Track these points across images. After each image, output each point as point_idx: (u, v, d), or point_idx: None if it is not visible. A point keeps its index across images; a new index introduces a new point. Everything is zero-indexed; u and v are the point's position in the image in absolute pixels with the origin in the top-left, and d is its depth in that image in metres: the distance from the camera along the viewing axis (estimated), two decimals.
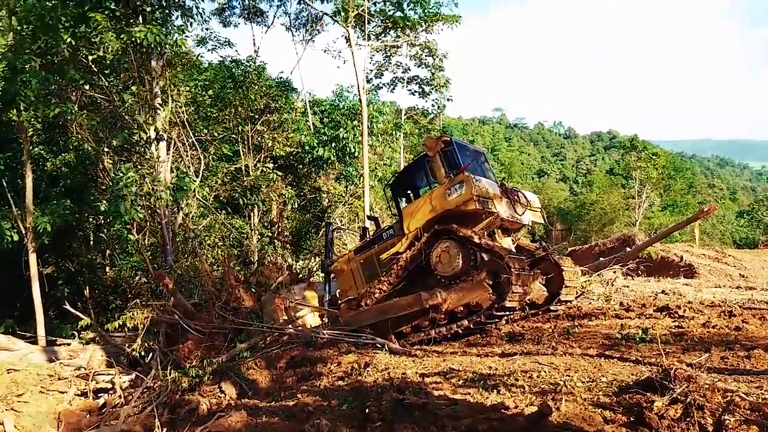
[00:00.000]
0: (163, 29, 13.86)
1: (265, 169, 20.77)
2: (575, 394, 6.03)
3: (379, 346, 10.01)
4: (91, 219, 17.76)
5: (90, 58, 14.03)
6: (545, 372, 7.00)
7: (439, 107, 35.60)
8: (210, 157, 19.58)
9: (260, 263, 17.19)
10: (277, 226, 26.46)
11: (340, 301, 12.85)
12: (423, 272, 11.08)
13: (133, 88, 14.52)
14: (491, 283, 10.03)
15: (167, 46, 14.71)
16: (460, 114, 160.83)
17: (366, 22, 20.76)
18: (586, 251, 36.37)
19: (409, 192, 13.00)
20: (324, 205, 24.71)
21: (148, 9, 13.96)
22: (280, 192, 21.82)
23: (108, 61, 14.45)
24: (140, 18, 14.19)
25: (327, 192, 23.71)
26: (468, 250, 10.43)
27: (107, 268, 20.43)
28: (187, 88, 18.14)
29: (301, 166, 23.03)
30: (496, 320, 10.45)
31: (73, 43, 13.29)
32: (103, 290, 20.10)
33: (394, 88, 36.88)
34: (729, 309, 9.80)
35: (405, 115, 38.48)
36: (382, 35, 25.85)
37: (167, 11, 14.50)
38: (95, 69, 14.35)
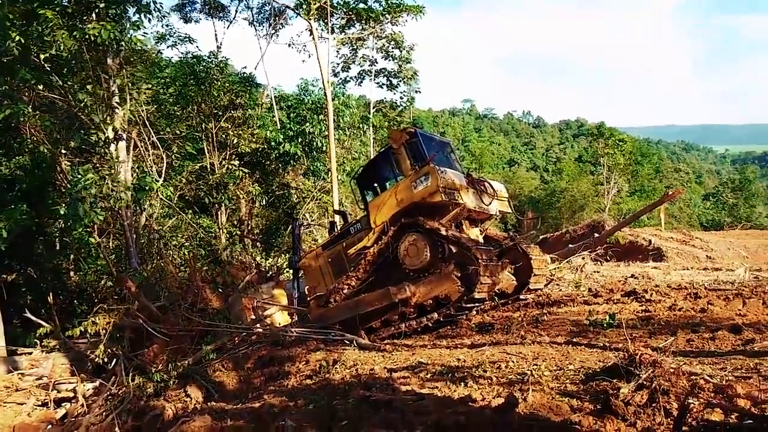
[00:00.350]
0: (118, 26, 13.40)
1: (230, 167, 20.40)
2: (542, 384, 5.97)
3: (348, 342, 9.88)
4: (54, 223, 17.23)
5: (42, 57, 13.51)
6: (513, 362, 6.93)
7: (408, 99, 35.31)
8: (173, 156, 19.14)
9: (228, 263, 16.86)
10: (246, 224, 26.09)
11: (309, 298, 12.68)
12: (391, 266, 10.97)
13: (89, 87, 14.06)
14: (459, 275, 9.96)
15: (123, 43, 14.26)
16: (430, 106, 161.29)
17: (329, 14, 20.47)
18: (557, 238, 36.69)
19: (375, 185, 12.86)
20: (293, 202, 24.39)
21: (102, 5, 13.49)
22: (247, 190, 21.49)
23: (63, 60, 13.98)
24: (93, 15, 13.75)
25: (296, 188, 23.41)
26: (435, 243, 10.35)
27: (72, 273, 19.86)
28: (148, 86, 17.67)
29: (268, 163, 22.67)
30: (466, 312, 10.37)
31: (23, 41, 12.78)
32: (68, 296, 19.55)
33: (361, 82, 36.50)
34: (695, 291, 9.89)
35: (373, 108, 38.27)
36: (346, 27, 25.53)
37: (122, 7, 14.03)
38: (48, 68, 13.86)
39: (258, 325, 11.51)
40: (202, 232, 20.30)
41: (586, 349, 7.25)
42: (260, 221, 25.12)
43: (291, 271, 13.90)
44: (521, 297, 11.46)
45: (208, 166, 20.75)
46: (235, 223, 25.79)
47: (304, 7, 20.72)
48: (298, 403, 7.08)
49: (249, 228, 25.89)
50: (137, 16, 14.78)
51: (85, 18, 13.70)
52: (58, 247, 17.54)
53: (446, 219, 10.64)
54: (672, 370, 5.28)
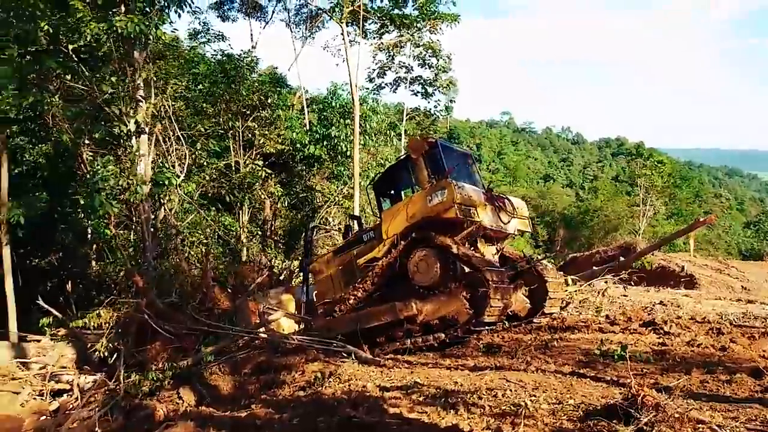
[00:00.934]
0: (145, 20, 13.39)
1: (254, 167, 20.32)
2: (537, 418, 5.57)
3: (348, 354, 9.57)
4: (74, 213, 17.38)
5: (71, 47, 13.61)
6: (511, 390, 6.52)
7: (446, 108, 34.97)
8: (198, 153, 19.15)
9: (243, 263, 16.75)
10: (270, 224, 26.04)
11: (317, 304, 12.43)
12: (401, 280, 10.62)
13: (113, 78, 14.09)
14: (468, 296, 9.56)
15: (150, 37, 14.25)
16: (468, 117, 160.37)
17: (361, 18, 20.27)
18: (586, 258, 35.75)
19: (392, 192, 12.55)
20: (316, 205, 24.25)
21: None
22: (270, 190, 21.39)
23: (90, 51, 14.05)
24: (122, 7, 13.79)
25: (319, 192, 23.24)
26: (446, 260, 9.96)
27: (94, 263, 19.99)
28: (175, 81, 17.73)
29: (292, 164, 22.57)
30: (474, 335, 9.90)
31: (51, 31, 12.88)
32: (88, 285, 19.69)
33: (396, 88, 36.39)
34: (718, 326, 9.26)
35: (407, 115, 38.04)
36: (380, 32, 25.33)
37: (151, 0, 14.04)
38: (76, 59, 13.94)
39: (261, 330, 11.24)
40: (223, 230, 20.25)
41: (591, 383, 6.80)
42: (284, 222, 25.03)
43: (302, 275, 13.67)
44: (534, 320, 10.99)
45: (233, 165, 20.70)
46: (259, 223, 25.79)
47: (337, 10, 20.64)
48: (284, 417, 6.80)
49: (272, 228, 25.84)
50: (166, 10, 14.80)
51: (114, 10, 13.73)
52: (79, 238, 17.64)
53: (460, 236, 10.24)
54: (677, 416, 4.84)
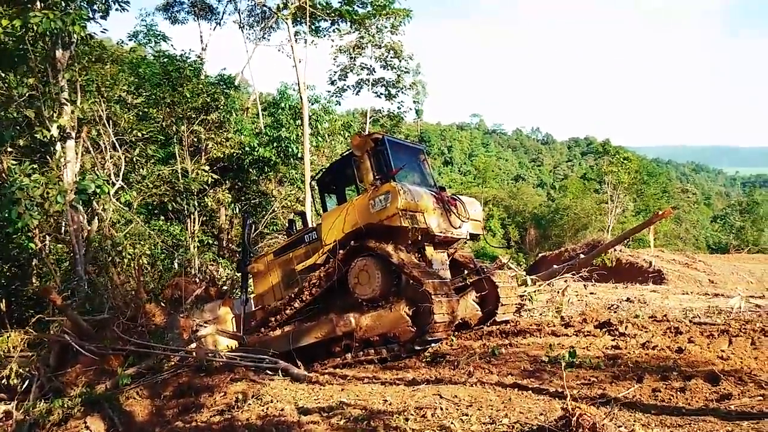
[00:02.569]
0: (63, 16, 12.35)
1: (200, 172, 19.33)
2: None
3: (279, 371, 8.72)
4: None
5: None
6: (442, 409, 5.75)
7: (416, 112, 34.45)
8: (137, 159, 18.09)
9: (183, 274, 15.76)
10: (226, 232, 25.00)
11: (255, 307, 11.51)
12: (342, 288, 9.77)
13: (30, 80, 13.06)
14: (411, 311, 8.74)
15: (74, 35, 13.24)
16: (439, 120, 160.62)
17: (308, 14, 19.46)
18: (555, 257, 35.51)
19: (336, 188, 11.69)
20: (275, 211, 23.28)
21: None
22: (217, 197, 20.42)
23: (5, 50, 13.03)
24: (38, 3, 12.77)
25: (274, 197, 22.27)
26: (389, 271, 9.12)
27: (34, 279, 18.74)
28: (111, 84, 16.71)
29: (243, 169, 21.59)
30: (417, 354, 9.04)
31: None
32: (24, 303, 18.43)
33: (359, 91, 35.86)
34: (676, 326, 8.62)
35: (370, 117, 37.37)
36: (332, 29, 24.62)
37: None
38: None
39: (189, 348, 10.29)
40: (171, 240, 19.18)
41: (533, 396, 6.07)
42: (239, 231, 24.00)
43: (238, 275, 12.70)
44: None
45: (179, 171, 19.66)
46: (215, 232, 24.74)
47: (282, 7, 19.82)
48: None
49: (229, 237, 24.82)
50: (90, 7, 13.81)
51: (29, 6, 12.70)
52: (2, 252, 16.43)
53: (406, 243, 9.43)
54: None
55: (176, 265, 17.84)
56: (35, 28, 12.14)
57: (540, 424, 4.86)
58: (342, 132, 22.90)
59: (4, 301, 18.18)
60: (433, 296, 8.33)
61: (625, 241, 30.73)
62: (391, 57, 34.28)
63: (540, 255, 41.51)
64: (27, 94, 13.04)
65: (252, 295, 11.92)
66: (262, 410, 6.75)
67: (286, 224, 13.48)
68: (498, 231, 74.08)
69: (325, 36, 24.94)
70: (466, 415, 5.54)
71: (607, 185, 52.83)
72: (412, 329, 8.67)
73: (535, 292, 13.56)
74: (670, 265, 26.76)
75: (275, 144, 20.36)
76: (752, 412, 4.81)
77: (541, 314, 12.37)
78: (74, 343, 10.65)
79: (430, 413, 5.68)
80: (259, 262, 11.89)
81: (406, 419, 5.58)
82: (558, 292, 13.74)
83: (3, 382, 10.20)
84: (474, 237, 10.96)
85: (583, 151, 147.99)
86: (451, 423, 5.29)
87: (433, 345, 9.05)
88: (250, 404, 7.15)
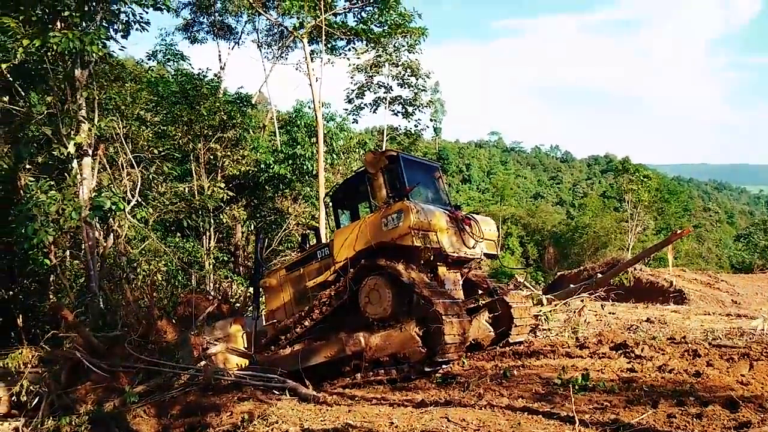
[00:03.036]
0: (83, 35, 12.55)
1: (215, 190, 19.42)
2: None
3: (287, 390, 8.61)
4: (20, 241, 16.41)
5: (4, 66, 12.78)
6: None
7: (435, 130, 34.58)
8: (155, 177, 18.25)
9: (196, 291, 15.79)
10: (243, 249, 25.06)
11: (266, 323, 11.42)
12: (353, 307, 9.65)
13: (49, 98, 13.26)
14: (420, 334, 8.57)
15: (94, 54, 13.42)
16: (457, 137, 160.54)
17: (323, 32, 19.59)
18: (574, 276, 35.00)
19: (350, 205, 11.60)
20: (290, 228, 23.30)
21: (67, 13, 12.73)
22: (232, 214, 20.50)
23: (25, 70, 13.27)
24: (58, 23, 13.01)
25: (289, 214, 22.28)
26: (400, 289, 8.96)
27: (51, 295, 18.92)
28: (130, 102, 16.93)
29: (259, 186, 21.68)
30: (427, 375, 8.86)
31: None
32: (40, 319, 18.60)
33: (376, 109, 35.90)
34: (695, 348, 8.35)
35: (387, 135, 37.42)
36: (348, 48, 24.76)
37: (91, 16, 13.26)
38: (10, 78, 13.12)
39: (199, 366, 10.23)
40: (187, 257, 19.24)
41: (543, 420, 5.88)
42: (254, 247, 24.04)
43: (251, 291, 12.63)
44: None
45: (195, 188, 19.79)
46: (231, 249, 24.80)
47: (299, 27, 19.98)
48: None
49: (245, 254, 24.87)
50: (111, 27, 14.03)
51: (50, 26, 12.94)
52: (22, 269, 16.62)
53: (417, 262, 9.31)
54: None
55: (192, 282, 17.88)
56: (55, 47, 12.36)
57: None
58: (357, 149, 22.93)
59: (21, 316, 18.51)
60: (443, 316, 8.18)
61: (646, 261, 30.26)
62: (408, 75, 34.35)
63: (559, 274, 40.93)
64: (45, 112, 13.22)
65: (264, 311, 11.84)
66: (267, 431, 6.65)
67: (300, 240, 13.42)
68: (516, 249, 73.60)
69: (341, 55, 25.12)
70: None
71: (627, 203, 52.10)
72: (423, 350, 8.51)
73: (550, 311, 13.31)
74: (692, 284, 26.16)
75: (290, 161, 20.42)
76: None
77: (556, 334, 12.13)
78: (85, 360, 10.69)
79: None
80: (272, 276, 11.81)
81: None
82: (574, 312, 13.49)
83: (14, 398, 10.27)
84: (490, 256, 10.80)
85: (603, 169, 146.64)
86: None
87: (443, 366, 8.88)
88: (255, 425, 7.04)
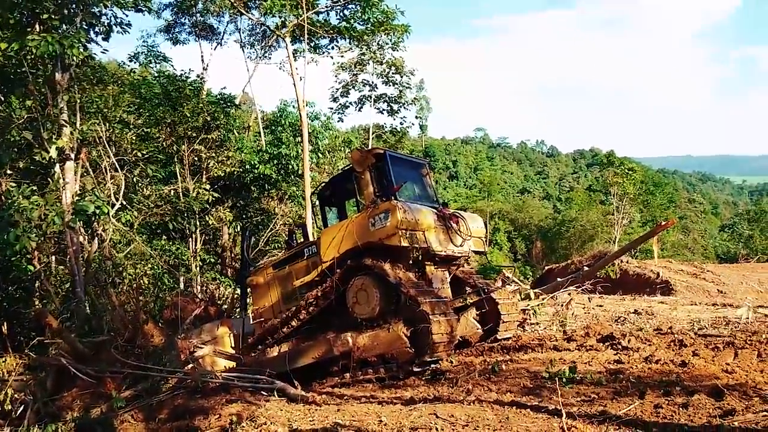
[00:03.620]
0: (62, 39, 12.40)
1: (200, 191, 19.29)
2: None
3: (275, 391, 8.58)
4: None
5: None
6: (437, 429, 5.61)
7: (420, 127, 34.56)
8: (139, 180, 18.10)
9: (183, 293, 15.69)
10: (230, 251, 24.93)
11: (253, 321, 11.34)
12: (340, 307, 9.62)
13: (29, 102, 13.10)
14: (409, 332, 8.53)
15: (74, 57, 13.26)
16: (443, 134, 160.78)
17: (305, 30, 19.48)
18: (562, 269, 35.16)
19: (337, 202, 11.55)
20: (277, 229, 23.21)
21: (45, 16, 12.57)
22: (218, 216, 20.39)
23: (4, 74, 13.10)
24: (37, 26, 12.85)
25: (275, 214, 22.20)
26: (387, 289, 8.92)
27: (36, 301, 18.68)
28: (112, 105, 16.77)
29: (245, 187, 21.58)
30: (416, 375, 8.85)
31: None
32: (26, 326, 18.35)
33: (361, 107, 35.93)
34: (681, 338, 8.42)
35: (373, 133, 37.42)
36: (331, 47, 24.71)
37: (69, 19, 13.11)
38: None
39: (186, 369, 10.17)
40: (171, 260, 19.09)
41: (531, 414, 5.89)
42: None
43: (239, 289, 12.51)
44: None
45: (180, 191, 19.64)
46: (218, 251, 24.66)
47: (281, 25, 19.90)
48: None
49: (232, 256, 24.74)
50: (90, 30, 13.89)
51: (29, 29, 12.78)
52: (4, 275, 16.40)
53: (405, 262, 9.29)
54: None
55: (179, 284, 17.76)
56: (34, 51, 12.21)
57: None
58: (342, 148, 22.90)
59: (5, 323, 18.23)
60: (431, 316, 8.16)
61: (632, 252, 30.47)
62: (392, 73, 34.40)
63: (546, 268, 41.16)
64: (26, 117, 13.08)
65: (251, 309, 11.75)
66: None
67: (287, 236, 13.34)
68: (504, 244, 73.87)
69: (324, 53, 25.05)
70: None
71: (613, 196, 52.55)
72: (410, 350, 8.49)
73: (538, 305, 13.37)
74: (678, 275, 26.35)
75: (276, 161, 20.35)
76: (757, 429, 4.63)
77: (544, 328, 12.19)
78: (71, 366, 10.57)
79: None
80: (259, 274, 11.69)
81: None
82: (562, 305, 13.56)
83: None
84: (478, 253, 10.81)
85: (588, 162, 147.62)
86: None
87: (432, 365, 8.87)
88: (243, 427, 7.00)
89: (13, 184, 14.16)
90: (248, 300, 12.50)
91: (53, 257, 15.87)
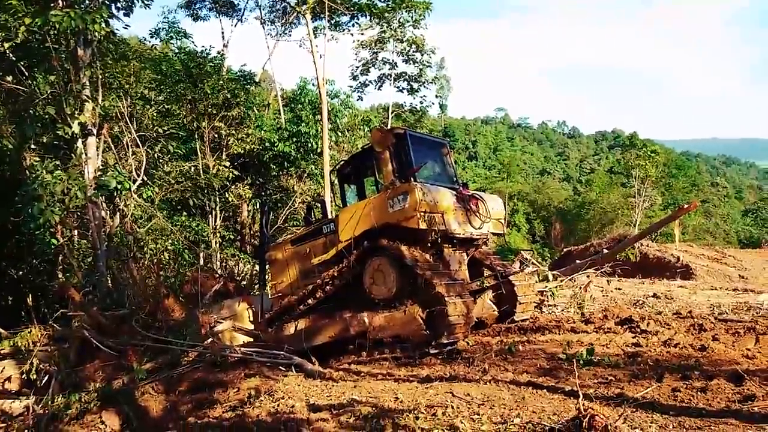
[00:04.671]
0: (85, 14, 12.42)
1: (220, 168, 19.41)
2: None
3: (293, 366, 8.69)
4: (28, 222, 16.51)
5: (7, 45, 12.71)
6: (453, 407, 5.63)
7: (440, 106, 34.30)
8: (160, 156, 18.25)
9: (204, 269, 15.89)
10: (248, 228, 25.12)
11: (271, 296, 11.43)
12: (356, 286, 9.64)
13: (52, 77, 13.19)
14: (424, 316, 8.52)
15: (96, 33, 13.30)
16: (463, 114, 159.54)
17: (326, 8, 19.35)
18: (581, 252, 34.93)
19: (356, 180, 11.50)
20: (296, 207, 23.30)
21: None
22: (237, 192, 20.51)
23: (28, 49, 13.18)
24: (60, 1, 12.88)
25: (294, 192, 22.28)
26: (404, 270, 8.89)
27: (60, 275, 19.05)
28: (134, 81, 16.86)
29: (264, 164, 21.67)
30: (431, 356, 8.88)
31: None
32: (49, 298, 18.75)
33: (381, 86, 35.71)
34: (700, 322, 8.35)
35: (392, 112, 37.20)
36: (351, 24, 24.49)
37: None
38: (13, 58, 13.06)
39: (205, 343, 10.32)
40: (191, 236, 19.30)
41: (547, 394, 5.91)
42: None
43: (258, 264, 12.60)
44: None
45: (201, 167, 19.78)
46: (238, 227, 24.87)
47: (300, 1, 19.78)
48: None
49: (251, 232, 24.93)
50: (113, 5, 13.90)
51: (52, 5, 12.81)
52: (30, 248, 16.71)
53: (422, 244, 9.26)
54: None
55: (199, 260, 17.97)
56: (57, 26, 12.25)
57: (551, 425, 4.72)
58: (362, 127, 22.81)
59: (30, 296, 18.63)
60: (446, 298, 8.14)
61: (652, 236, 30.14)
62: (413, 51, 34.06)
63: (565, 250, 40.91)
64: (49, 92, 13.18)
65: (270, 284, 11.83)
66: (273, 407, 6.71)
67: (305, 211, 13.34)
68: (523, 226, 73.54)
69: (345, 31, 24.84)
70: (477, 414, 5.41)
71: (635, 179, 51.77)
72: (426, 332, 8.51)
73: (556, 287, 13.32)
74: (699, 260, 26.06)
75: (295, 139, 20.38)
76: None
77: (562, 310, 12.15)
78: (93, 338, 10.76)
79: (441, 412, 5.57)
80: (278, 250, 11.74)
81: (416, 417, 5.47)
82: (580, 287, 13.49)
83: (24, 377, 10.39)
84: (497, 235, 10.74)
85: (610, 144, 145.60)
86: (461, 422, 5.16)
87: (447, 349, 8.88)
88: (262, 400, 7.10)
89: (37, 159, 14.36)
90: (267, 275, 12.57)
91: (76, 231, 16.13)
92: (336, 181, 11.52)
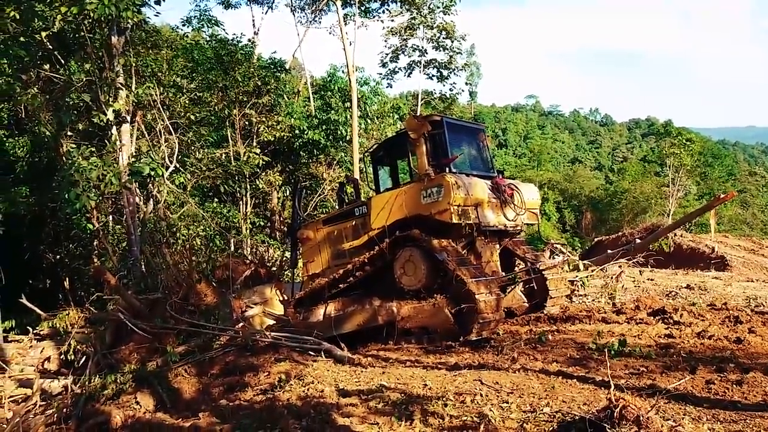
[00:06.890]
0: (120, 2, 12.60)
1: (251, 155, 19.59)
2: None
3: (322, 352, 8.78)
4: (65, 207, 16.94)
5: (44, 34, 12.99)
6: (482, 395, 5.63)
7: (470, 94, 34.00)
8: (192, 143, 18.50)
9: (235, 255, 16.10)
10: (279, 215, 25.35)
11: (301, 275, 11.47)
12: (386, 274, 9.63)
13: (87, 65, 13.45)
14: (453, 311, 8.47)
15: (129, 21, 13.50)
16: (493, 101, 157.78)
17: None
18: (612, 241, 34.45)
19: (390, 162, 11.29)
20: (325, 194, 23.44)
21: None
22: (268, 179, 20.69)
23: (64, 38, 13.46)
24: None
25: (324, 180, 22.40)
26: (434, 263, 8.83)
27: (95, 259, 19.52)
28: (166, 69, 17.08)
29: (293, 151, 21.82)
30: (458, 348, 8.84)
31: (18, 17, 12.24)
32: (86, 281, 19.25)
33: (411, 73, 35.49)
34: (736, 315, 8.17)
35: (422, 100, 37.01)
36: (381, 10, 24.35)
37: None
38: (51, 47, 13.34)
39: (237, 327, 10.48)
40: (222, 222, 19.58)
41: (577, 384, 5.86)
42: (290, 212, 24.30)
43: (289, 241, 12.65)
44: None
45: (232, 154, 20.01)
46: (267, 214, 25.12)
47: None
48: (224, 428, 6.02)
49: (281, 219, 25.16)
50: None
51: None
52: (67, 233, 17.17)
53: (455, 237, 9.15)
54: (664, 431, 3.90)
55: (230, 246, 18.24)
56: (91, 14, 12.47)
57: (582, 414, 4.67)
58: (391, 114, 22.76)
59: (68, 279, 19.14)
60: (476, 295, 8.07)
61: (687, 226, 29.54)
62: (443, 38, 33.75)
63: (596, 239, 40.39)
64: (84, 80, 13.44)
65: (300, 263, 11.88)
66: (303, 391, 6.79)
67: (337, 189, 13.30)
68: (553, 215, 72.64)
69: (375, 17, 24.71)
70: (507, 402, 5.40)
71: (669, 168, 50.68)
72: (455, 327, 8.47)
73: (587, 277, 13.15)
74: (735, 251, 25.54)
75: (325, 127, 20.45)
76: None
77: (593, 300, 12.04)
78: (128, 321, 11.01)
79: (470, 399, 5.57)
80: (310, 228, 11.70)
81: (445, 405, 5.48)
82: (612, 277, 13.31)
83: (63, 357, 10.72)
84: (530, 225, 10.59)
85: (644, 132, 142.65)
86: (490, 410, 5.15)
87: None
88: (292, 384, 7.19)
89: (73, 145, 14.69)
90: (298, 256, 12.62)
91: (111, 217, 16.49)
92: (369, 164, 11.41)
